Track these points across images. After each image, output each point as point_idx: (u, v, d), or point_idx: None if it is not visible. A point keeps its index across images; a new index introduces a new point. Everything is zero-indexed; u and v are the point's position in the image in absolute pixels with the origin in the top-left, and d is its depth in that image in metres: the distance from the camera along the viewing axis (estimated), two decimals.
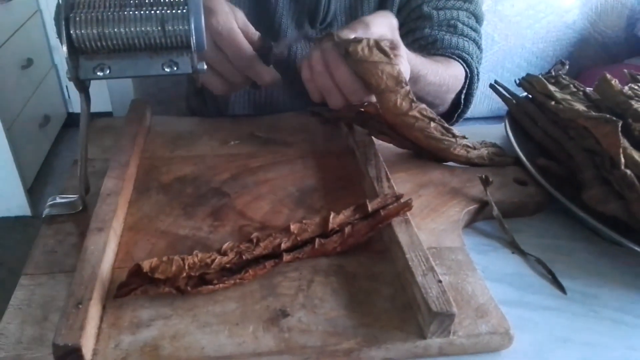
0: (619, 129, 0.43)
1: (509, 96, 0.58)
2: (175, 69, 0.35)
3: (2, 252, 1.56)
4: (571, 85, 0.56)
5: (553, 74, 0.60)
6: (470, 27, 0.66)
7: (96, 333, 0.30)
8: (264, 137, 0.52)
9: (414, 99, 0.45)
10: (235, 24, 0.47)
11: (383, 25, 0.48)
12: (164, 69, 0.35)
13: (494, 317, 0.33)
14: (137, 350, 0.30)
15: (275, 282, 0.35)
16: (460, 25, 0.65)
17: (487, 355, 0.33)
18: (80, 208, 0.41)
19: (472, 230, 0.44)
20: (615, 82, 0.51)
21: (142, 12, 0.34)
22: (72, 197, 0.42)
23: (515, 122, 0.56)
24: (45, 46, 1.88)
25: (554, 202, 0.45)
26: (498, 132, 0.58)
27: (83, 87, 0.36)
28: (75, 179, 0.42)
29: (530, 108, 0.55)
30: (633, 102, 0.47)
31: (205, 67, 0.36)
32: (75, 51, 0.34)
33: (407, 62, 0.49)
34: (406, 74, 0.48)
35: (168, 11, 0.34)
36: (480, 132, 0.60)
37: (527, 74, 0.58)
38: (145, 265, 0.32)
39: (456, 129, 0.49)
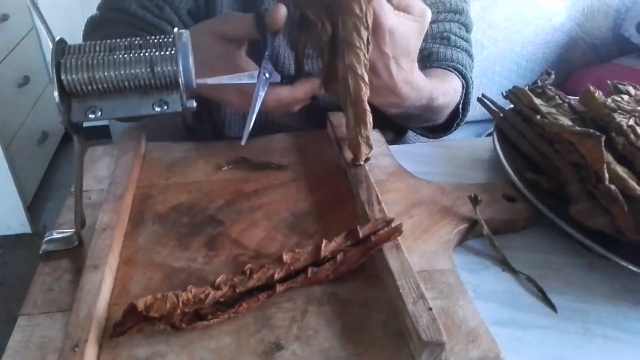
0: (603, 143, 0.44)
1: (496, 109, 0.59)
2: (165, 108, 0.36)
3: (5, 270, 1.57)
4: (557, 97, 0.56)
5: (540, 84, 0.61)
6: (462, 38, 0.68)
7: None
8: (254, 161, 0.53)
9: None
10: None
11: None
12: (154, 109, 0.36)
13: (484, 342, 0.34)
14: None
15: (269, 313, 0.36)
16: (453, 37, 0.67)
17: None
18: (77, 243, 0.42)
19: (463, 249, 0.45)
20: (598, 94, 0.52)
21: (131, 55, 0.35)
22: (68, 232, 0.43)
23: (503, 135, 0.56)
24: (42, 63, 1.89)
25: (543, 216, 0.46)
26: (487, 145, 0.58)
27: (76, 129, 0.37)
28: (71, 211, 0.43)
29: (517, 121, 0.55)
30: (616, 115, 0.48)
31: (195, 104, 0.37)
32: (67, 95, 0.35)
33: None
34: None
35: (156, 53, 0.35)
36: (469, 146, 0.61)
37: (514, 87, 0.59)
38: (140, 304, 0.32)
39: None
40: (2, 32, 1.61)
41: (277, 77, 0.48)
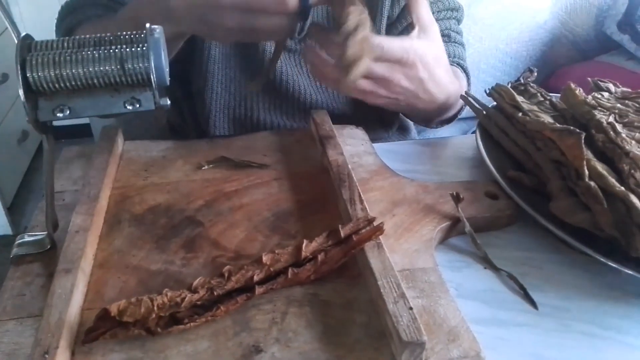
0: (582, 140, 0.44)
1: (478, 107, 0.58)
2: (137, 106, 0.35)
3: None
4: (539, 94, 0.56)
5: (522, 81, 0.61)
6: (458, 32, 0.72)
7: None
8: (235, 160, 0.52)
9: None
10: None
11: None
12: (126, 107, 0.35)
13: (465, 341, 0.34)
14: None
15: (249, 315, 0.35)
16: (453, 34, 0.70)
17: None
18: (49, 247, 0.40)
19: (445, 247, 0.45)
20: (579, 91, 0.52)
21: (100, 51, 0.34)
22: (40, 234, 0.41)
23: (485, 132, 0.56)
24: None
25: (525, 214, 0.46)
26: (470, 143, 0.58)
27: (44, 129, 0.35)
28: (44, 214, 0.41)
29: (499, 119, 0.55)
30: (596, 112, 0.48)
31: (169, 102, 0.36)
32: (34, 93, 0.34)
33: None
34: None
35: (127, 49, 0.34)
36: (453, 143, 0.61)
37: (497, 84, 0.59)
38: (113, 309, 0.31)
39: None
40: None
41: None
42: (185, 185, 0.49)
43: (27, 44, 0.33)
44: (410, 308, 0.33)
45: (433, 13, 0.68)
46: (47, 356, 0.29)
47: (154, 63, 0.34)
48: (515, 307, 0.39)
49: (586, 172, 0.43)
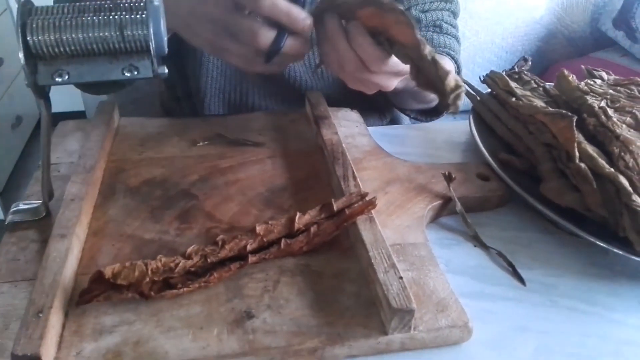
0: (574, 123, 0.45)
1: (473, 92, 0.59)
2: (135, 73, 0.35)
3: None
4: (532, 82, 0.57)
5: (516, 70, 0.62)
6: (452, 25, 0.72)
7: (58, 341, 0.30)
8: (231, 138, 0.52)
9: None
10: None
11: None
12: (124, 74, 0.35)
13: (453, 311, 0.34)
14: (99, 358, 0.30)
15: (242, 283, 0.36)
16: (444, 25, 0.70)
17: (447, 348, 0.34)
18: (44, 214, 0.40)
19: (436, 225, 0.46)
20: (572, 77, 0.52)
21: (100, 17, 0.34)
22: (36, 203, 0.41)
23: (479, 118, 0.57)
24: (16, 45, 1.83)
25: (516, 195, 0.46)
26: (464, 128, 0.59)
27: (42, 93, 0.36)
28: (39, 183, 0.42)
29: (492, 104, 0.56)
30: (588, 98, 0.49)
31: (166, 70, 0.36)
32: (33, 57, 0.34)
33: None
34: None
35: (127, 16, 0.34)
36: (446, 129, 0.61)
37: (491, 71, 0.60)
38: (107, 272, 0.32)
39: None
40: None
41: None
42: (181, 161, 0.49)
43: (27, 9, 0.34)
44: (400, 277, 0.34)
45: (425, 3, 0.69)
46: (40, 315, 0.30)
47: (153, 30, 0.34)
48: (503, 282, 0.40)
49: (577, 154, 0.44)
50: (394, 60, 0.43)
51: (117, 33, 0.34)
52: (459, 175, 0.48)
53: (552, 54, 1.17)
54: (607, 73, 0.57)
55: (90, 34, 0.33)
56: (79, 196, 0.40)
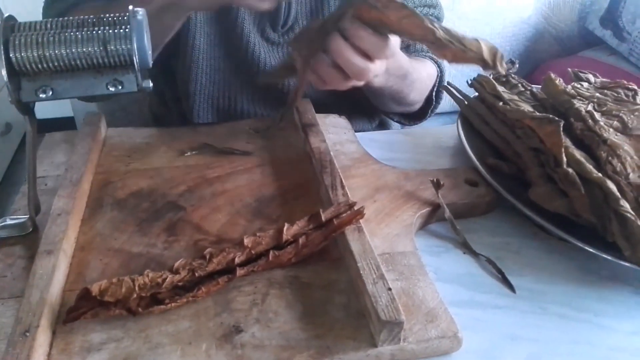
0: (561, 128, 0.45)
1: (460, 97, 0.59)
2: (120, 87, 0.35)
3: None
4: (519, 85, 0.57)
5: (503, 72, 0.62)
6: None
7: None
8: (218, 147, 0.52)
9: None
10: None
11: None
12: (108, 89, 0.35)
13: (443, 321, 0.34)
14: None
15: (230, 297, 0.36)
16: None
17: (438, 358, 0.34)
18: (30, 229, 0.40)
19: (425, 232, 0.46)
20: (559, 81, 0.53)
21: (83, 32, 0.33)
22: (23, 218, 0.41)
23: (467, 122, 0.57)
24: None
25: (504, 201, 0.46)
26: (452, 133, 0.59)
27: (27, 110, 0.35)
28: (26, 197, 0.41)
29: (480, 108, 0.56)
30: (575, 102, 0.49)
31: (151, 84, 0.36)
32: (17, 74, 0.34)
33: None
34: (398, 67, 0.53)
35: (110, 31, 0.34)
36: (434, 133, 0.61)
37: (478, 74, 0.60)
38: (94, 289, 0.32)
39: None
40: None
41: None
42: (168, 171, 0.49)
43: (10, 25, 0.33)
44: (389, 289, 0.34)
45: None
46: (28, 334, 0.29)
47: (136, 44, 0.34)
48: (493, 290, 0.40)
49: (564, 158, 0.44)
50: (395, 41, 0.44)
51: (101, 48, 0.33)
52: (447, 182, 0.48)
53: (540, 54, 1.18)
54: (594, 75, 0.57)
55: (73, 50, 0.33)
56: (66, 210, 0.40)
